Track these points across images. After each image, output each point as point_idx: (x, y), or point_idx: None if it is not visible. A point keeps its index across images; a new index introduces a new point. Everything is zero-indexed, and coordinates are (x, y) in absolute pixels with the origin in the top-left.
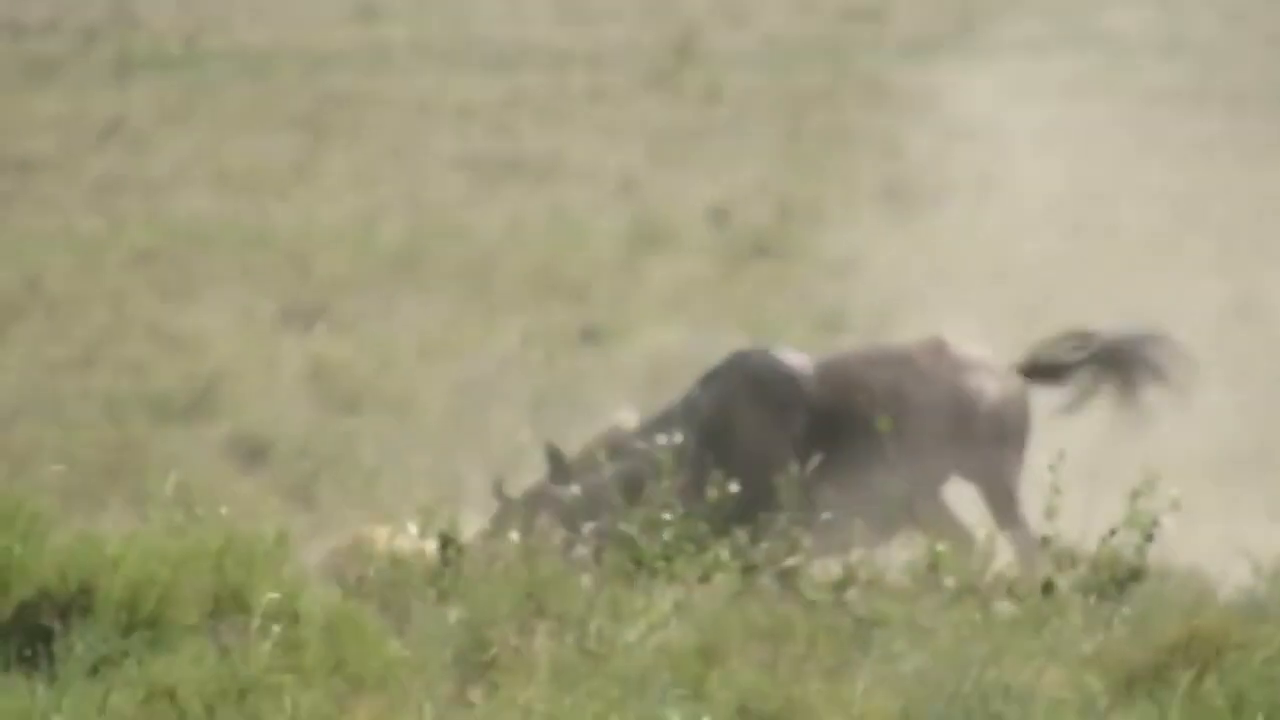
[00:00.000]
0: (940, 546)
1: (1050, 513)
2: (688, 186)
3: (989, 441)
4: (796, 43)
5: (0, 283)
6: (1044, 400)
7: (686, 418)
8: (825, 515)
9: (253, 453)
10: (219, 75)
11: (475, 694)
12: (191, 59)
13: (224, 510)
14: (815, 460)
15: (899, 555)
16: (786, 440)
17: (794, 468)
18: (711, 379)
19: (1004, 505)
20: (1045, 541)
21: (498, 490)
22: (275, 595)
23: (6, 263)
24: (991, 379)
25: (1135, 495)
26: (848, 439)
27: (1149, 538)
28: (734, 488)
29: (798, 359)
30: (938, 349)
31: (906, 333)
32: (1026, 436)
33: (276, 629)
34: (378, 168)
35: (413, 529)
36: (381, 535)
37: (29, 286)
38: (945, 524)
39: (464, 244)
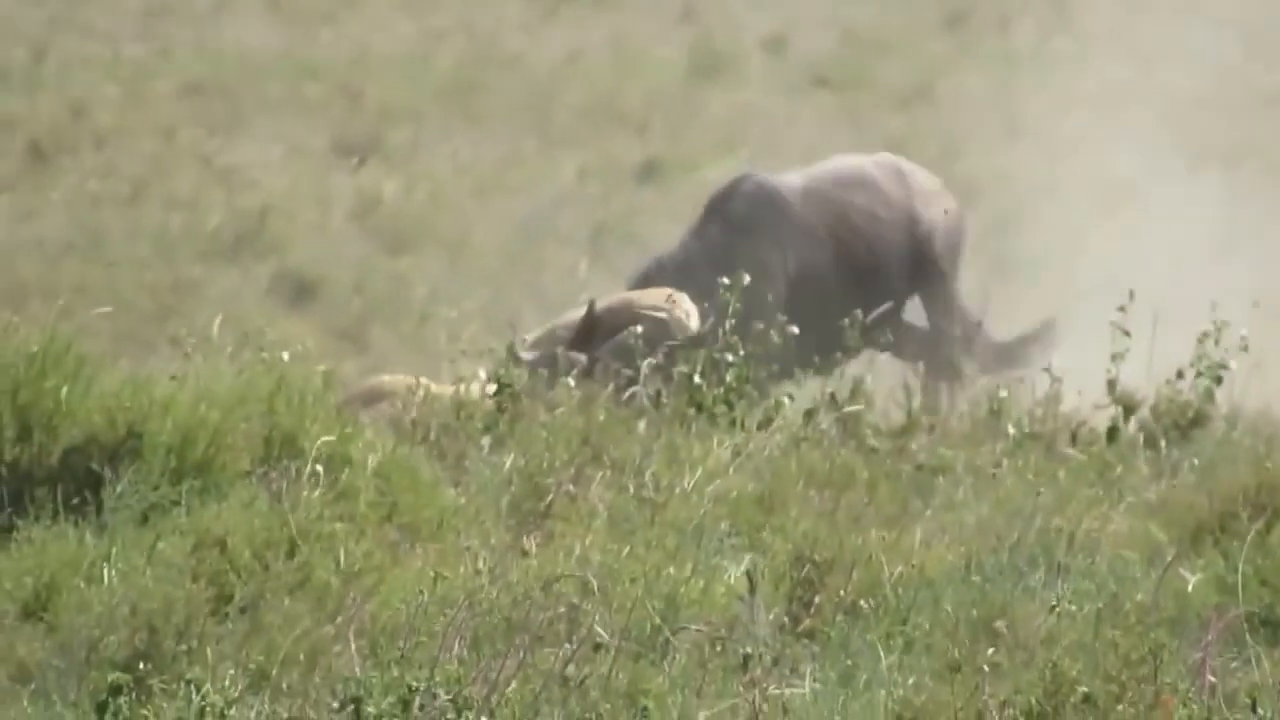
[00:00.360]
0: (1003, 392)
1: (1117, 356)
2: (748, 14)
3: (943, 263)
4: None
5: (46, 114)
6: (1113, 238)
7: (703, 250)
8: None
9: (302, 292)
10: None
11: (531, 542)
12: None
13: (276, 352)
14: (885, 307)
15: (961, 401)
16: (781, 265)
17: (858, 313)
18: (714, 210)
19: (951, 325)
20: (1111, 386)
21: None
22: (327, 439)
23: (52, 93)
24: (941, 202)
25: (1202, 337)
26: (831, 262)
27: (1217, 381)
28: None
29: (786, 180)
30: (895, 170)
31: (973, 165)
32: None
33: (329, 475)
34: None
35: (482, 374)
36: (398, 384)
37: (75, 118)
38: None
39: (520, 74)
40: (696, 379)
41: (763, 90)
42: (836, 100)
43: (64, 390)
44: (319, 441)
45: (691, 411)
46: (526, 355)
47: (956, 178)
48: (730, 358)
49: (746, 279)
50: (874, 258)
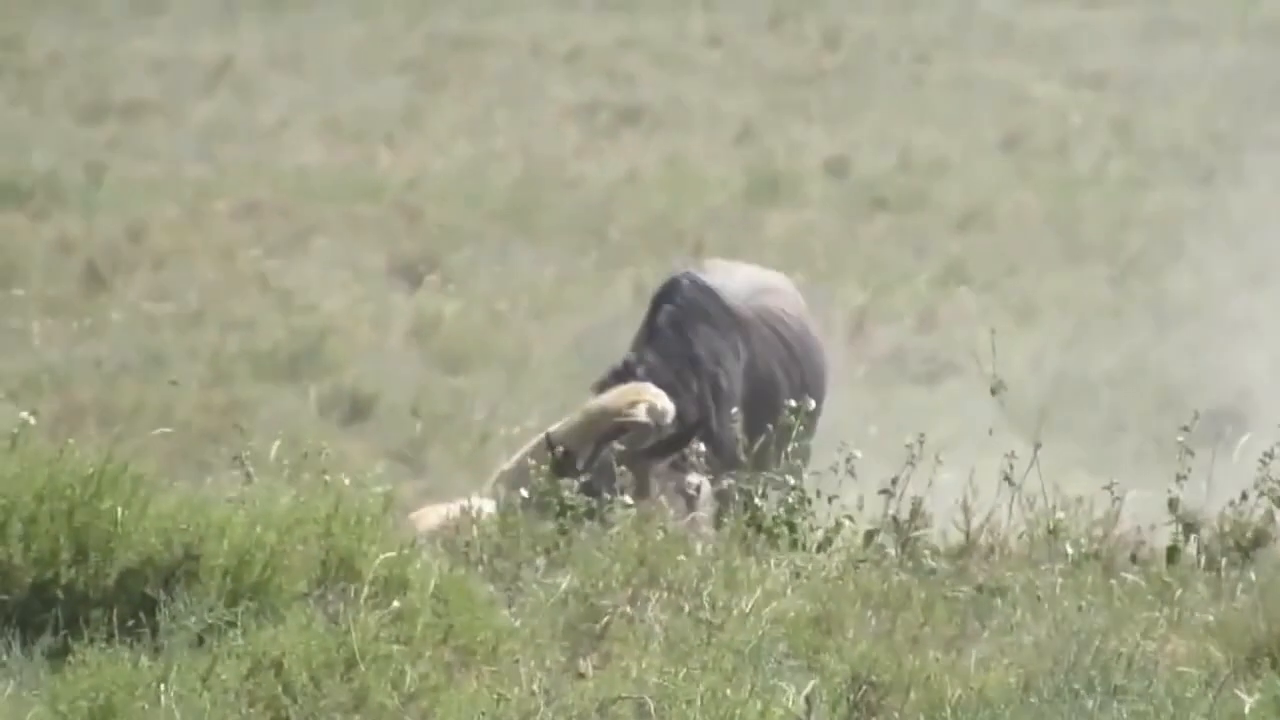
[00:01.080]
0: (1060, 513)
1: (1180, 477)
2: (806, 135)
3: (824, 381)
4: None
5: (104, 235)
6: (1174, 357)
7: (660, 346)
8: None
9: (360, 412)
10: (328, 16)
11: (587, 664)
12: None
13: (333, 474)
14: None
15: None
16: (734, 354)
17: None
18: (659, 308)
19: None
20: (1172, 505)
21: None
22: (385, 558)
23: (111, 213)
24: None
25: (1265, 458)
26: (765, 366)
27: (1278, 502)
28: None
29: (718, 280)
30: (788, 283)
31: (1032, 286)
32: None
33: (385, 597)
34: (489, 115)
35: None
36: (434, 514)
37: (133, 239)
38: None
39: (577, 194)
40: (757, 498)
41: (820, 211)
42: (895, 221)
43: (120, 512)
44: (376, 564)
45: (751, 532)
46: (522, 493)
47: (1015, 298)
48: (791, 480)
49: (811, 405)
50: (794, 359)
